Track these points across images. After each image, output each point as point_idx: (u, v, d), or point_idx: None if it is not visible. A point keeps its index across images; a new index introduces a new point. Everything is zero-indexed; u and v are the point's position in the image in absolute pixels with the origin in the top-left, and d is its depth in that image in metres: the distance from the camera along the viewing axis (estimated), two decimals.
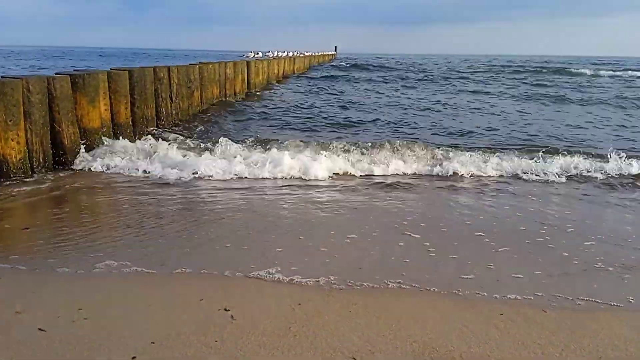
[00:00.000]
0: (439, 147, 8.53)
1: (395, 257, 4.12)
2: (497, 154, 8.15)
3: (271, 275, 3.66)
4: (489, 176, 7.29)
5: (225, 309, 3.12)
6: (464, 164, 7.54)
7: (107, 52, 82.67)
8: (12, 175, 6.13)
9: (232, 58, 19.37)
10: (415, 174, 7.42)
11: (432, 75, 31.93)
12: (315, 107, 15.24)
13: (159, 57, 53.93)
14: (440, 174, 7.36)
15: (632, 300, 3.46)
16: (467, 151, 8.31)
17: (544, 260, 4.13)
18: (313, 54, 45.71)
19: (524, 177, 7.26)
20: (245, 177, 6.87)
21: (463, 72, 36.16)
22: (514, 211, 5.62)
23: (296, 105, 15.17)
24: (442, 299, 3.38)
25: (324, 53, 58.32)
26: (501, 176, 7.32)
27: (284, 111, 13.89)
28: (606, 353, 2.78)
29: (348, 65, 42.25)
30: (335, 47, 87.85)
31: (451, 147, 8.88)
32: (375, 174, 7.27)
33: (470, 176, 7.25)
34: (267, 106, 14.60)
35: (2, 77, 6.59)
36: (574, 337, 2.93)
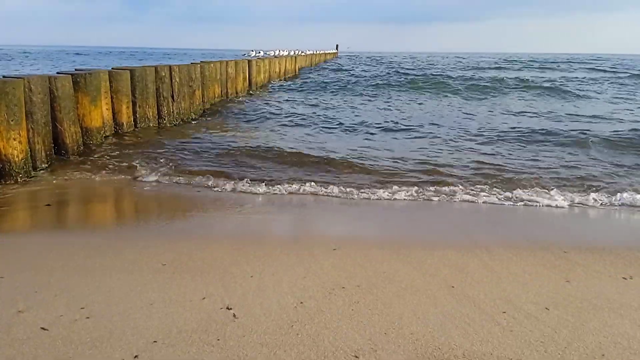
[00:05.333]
0: None
1: None
2: None
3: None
4: None
5: (228, 308, 3.11)
6: None
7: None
8: (14, 175, 6.14)
9: (233, 57, 19.36)
10: None
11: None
12: None
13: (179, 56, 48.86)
14: None
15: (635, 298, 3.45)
16: None
17: None
18: (315, 52, 45.68)
19: None
20: None
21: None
22: None
23: None
24: (444, 296, 3.37)
25: (326, 52, 58.31)
26: None
27: None
28: (609, 350, 2.77)
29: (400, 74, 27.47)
30: (337, 45, 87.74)
31: None
32: None
33: None
34: None
35: (4, 76, 6.60)
36: (577, 335, 2.92)
